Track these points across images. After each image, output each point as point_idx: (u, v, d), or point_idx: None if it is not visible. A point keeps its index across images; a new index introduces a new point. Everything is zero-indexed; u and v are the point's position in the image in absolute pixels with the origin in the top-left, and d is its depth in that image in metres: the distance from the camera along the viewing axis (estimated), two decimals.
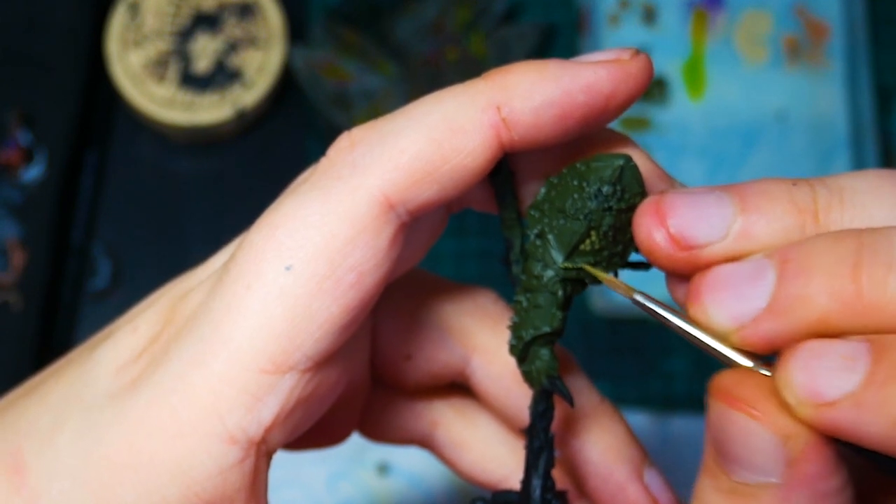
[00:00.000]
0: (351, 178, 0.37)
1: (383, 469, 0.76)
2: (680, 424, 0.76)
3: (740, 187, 0.36)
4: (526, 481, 0.40)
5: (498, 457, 0.45)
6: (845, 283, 0.32)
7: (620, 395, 0.78)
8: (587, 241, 0.38)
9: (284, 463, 0.74)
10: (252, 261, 0.37)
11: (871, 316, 0.32)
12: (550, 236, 0.38)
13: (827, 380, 0.32)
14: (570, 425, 0.44)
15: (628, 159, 0.38)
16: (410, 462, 0.74)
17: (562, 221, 0.38)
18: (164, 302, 0.40)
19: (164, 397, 0.37)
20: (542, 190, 0.39)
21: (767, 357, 0.35)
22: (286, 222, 0.36)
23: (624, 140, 0.39)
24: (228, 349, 0.36)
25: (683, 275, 0.36)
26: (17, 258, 0.77)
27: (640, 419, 0.76)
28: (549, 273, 0.39)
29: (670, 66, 0.84)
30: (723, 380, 0.34)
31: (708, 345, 0.35)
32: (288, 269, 0.36)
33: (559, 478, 0.45)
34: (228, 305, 0.37)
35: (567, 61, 0.37)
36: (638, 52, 0.37)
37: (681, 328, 0.35)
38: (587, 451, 0.44)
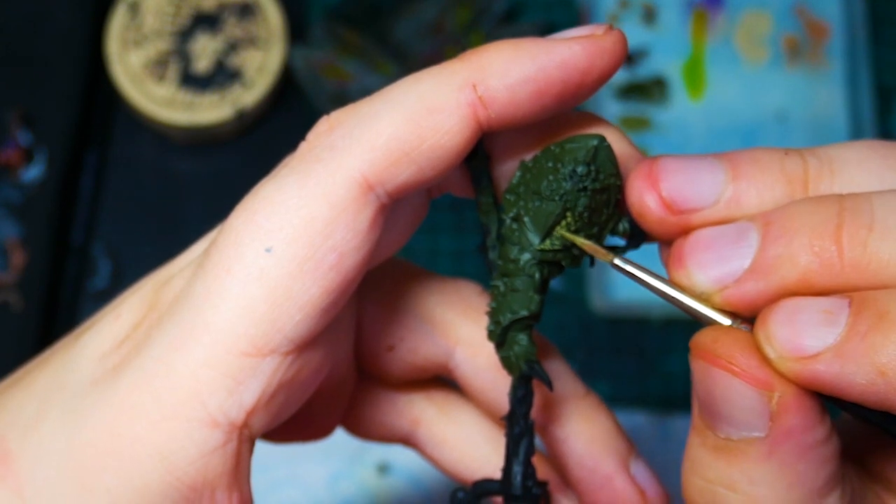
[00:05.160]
0: (330, 160, 0.37)
1: (383, 469, 0.76)
2: (679, 424, 0.76)
3: (733, 155, 0.36)
4: (507, 468, 0.39)
5: (481, 455, 0.45)
6: (827, 244, 0.33)
7: (620, 395, 0.78)
8: (563, 223, 0.38)
9: (284, 463, 0.74)
10: (232, 245, 0.37)
11: (850, 275, 0.33)
12: (526, 219, 0.38)
13: (808, 333, 0.33)
14: (555, 416, 0.44)
15: (602, 139, 0.38)
16: (410, 462, 0.74)
17: (537, 203, 0.38)
18: (147, 289, 0.40)
19: (146, 382, 0.37)
20: (518, 173, 0.39)
21: (749, 318, 0.35)
22: (265, 206, 0.37)
23: (599, 121, 0.39)
24: (209, 333, 0.36)
25: (672, 240, 0.37)
26: (17, 258, 0.77)
27: (639, 419, 0.76)
28: (526, 256, 0.39)
29: (670, 66, 0.84)
30: (702, 337, 0.34)
31: (690, 307, 0.35)
32: (268, 251, 0.36)
33: (544, 469, 0.45)
34: (209, 289, 0.37)
35: (542, 38, 0.37)
36: (612, 27, 0.37)
37: (662, 291, 0.36)
38: (572, 442, 0.44)
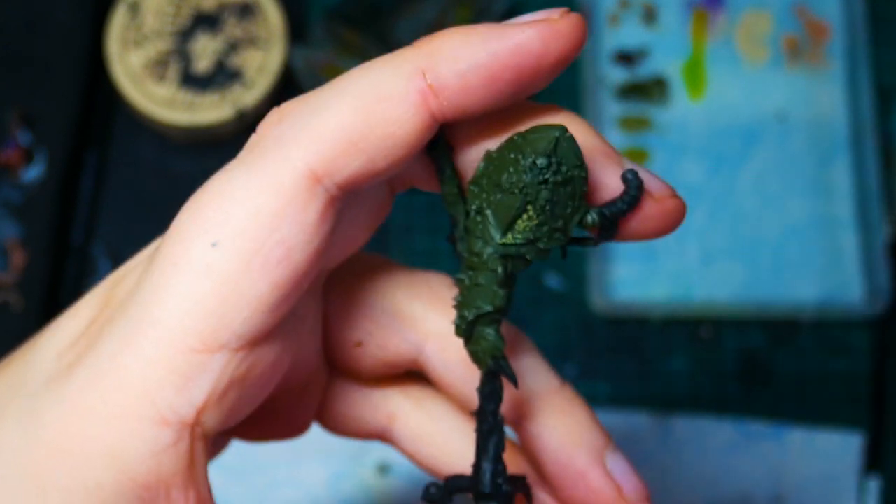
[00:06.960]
0: (276, 151, 0.36)
1: (383, 469, 0.76)
2: (680, 424, 0.76)
3: None
4: (476, 465, 0.38)
5: (457, 449, 0.44)
6: None
7: (620, 395, 0.78)
8: (524, 216, 0.37)
9: (284, 463, 0.74)
10: (179, 239, 0.36)
11: None
12: (488, 212, 0.37)
13: None
14: (527, 412, 0.43)
15: (564, 130, 0.36)
16: (410, 462, 0.74)
17: (499, 196, 0.37)
18: (104, 286, 0.40)
19: (96, 380, 0.36)
20: (482, 164, 0.38)
21: None
22: (212, 199, 0.36)
23: (563, 111, 0.38)
24: (157, 329, 0.36)
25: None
26: (17, 258, 0.77)
27: (640, 419, 0.76)
28: (489, 250, 0.38)
29: (670, 66, 0.84)
30: None
31: None
32: (214, 245, 0.36)
33: (521, 463, 0.44)
34: (156, 285, 0.36)
35: (495, 24, 0.36)
36: (569, 11, 0.36)
37: None
38: (545, 437, 0.43)
